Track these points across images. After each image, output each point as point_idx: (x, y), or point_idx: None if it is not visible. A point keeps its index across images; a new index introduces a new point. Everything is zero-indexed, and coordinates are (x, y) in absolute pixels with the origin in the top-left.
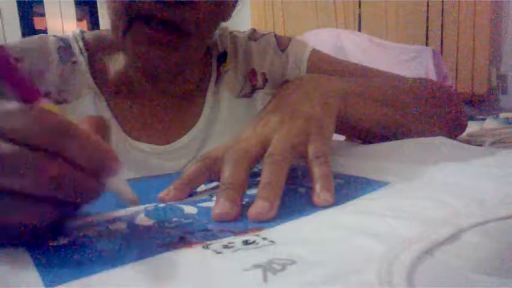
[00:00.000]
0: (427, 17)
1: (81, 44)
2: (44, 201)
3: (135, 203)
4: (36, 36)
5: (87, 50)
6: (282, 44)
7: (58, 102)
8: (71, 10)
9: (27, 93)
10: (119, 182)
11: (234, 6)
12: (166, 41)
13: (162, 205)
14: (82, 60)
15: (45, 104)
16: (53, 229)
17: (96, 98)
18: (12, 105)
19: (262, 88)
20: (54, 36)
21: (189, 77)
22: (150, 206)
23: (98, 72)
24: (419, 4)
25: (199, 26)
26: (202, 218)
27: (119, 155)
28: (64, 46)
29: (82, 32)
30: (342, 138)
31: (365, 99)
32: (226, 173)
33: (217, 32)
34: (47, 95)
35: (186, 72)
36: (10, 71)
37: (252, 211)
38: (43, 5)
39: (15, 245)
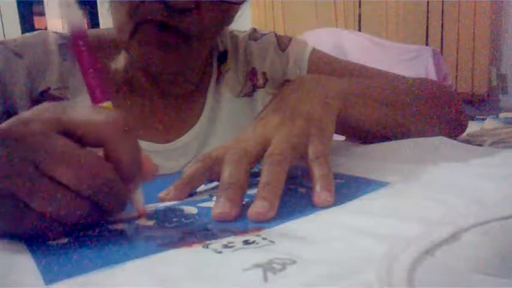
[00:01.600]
0: (427, 17)
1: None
2: (85, 200)
3: (143, 215)
4: (36, 32)
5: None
6: (282, 43)
7: (58, 98)
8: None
9: (99, 93)
10: (139, 193)
11: (237, 11)
12: (171, 45)
13: (162, 205)
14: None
15: (110, 106)
16: (60, 228)
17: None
18: (81, 106)
19: (263, 88)
20: (55, 32)
21: (190, 77)
22: (151, 206)
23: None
24: (419, 4)
25: (204, 31)
26: (202, 218)
27: None
28: (65, 43)
29: None
30: (342, 138)
31: (365, 100)
32: (226, 173)
33: None
34: (47, 91)
35: (186, 73)
36: (90, 69)
37: (252, 211)
38: (43, 5)
39: (20, 237)
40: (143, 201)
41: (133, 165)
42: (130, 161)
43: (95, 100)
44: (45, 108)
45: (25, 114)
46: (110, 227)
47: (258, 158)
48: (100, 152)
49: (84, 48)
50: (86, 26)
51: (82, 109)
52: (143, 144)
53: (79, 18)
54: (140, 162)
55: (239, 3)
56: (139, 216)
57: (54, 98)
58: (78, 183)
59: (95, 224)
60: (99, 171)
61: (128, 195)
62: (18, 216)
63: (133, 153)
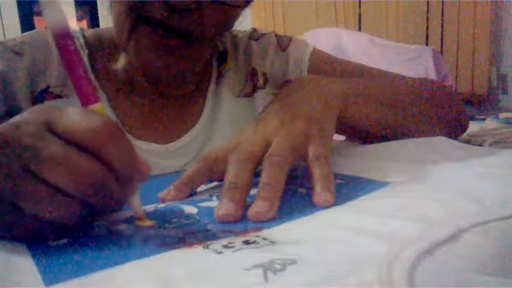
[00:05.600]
0: (427, 17)
1: (81, 40)
2: (76, 200)
3: (141, 218)
4: (35, 31)
5: (87, 47)
6: (282, 43)
7: (58, 97)
8: (71, 10)
9: (85, 95)
10: (136, 195)
11: (238, 15)
12: (170, 47)
13: (162, 205)
14: (83, 56)
15: (100, 108)
16: (58, 229)
17: (97, 95)
18: (71, 108)
19: (263, 88)
20: None
21: (190, 78)
22: (150, 206)
23: (98, 70)
24: (419, 4)
25: (204, 32)
26: (202, 218)
27: None
28: None
29: (81, 29)
30: (342, 138)
31: (365, 100)
32: (231, 173)
33: None
34: (47, 89)
35: (186, 74)
36: (75, 69)
37: (252, 211)
38: (41, 5)
39: (20, 239)
40: (140, 203)
41: (127, 167)
42: (123, 163)
43: (84, 103)
44: (35, 111)
45: (16, 117)
46: (110, 227)
47: (261, 159)
48: None
49: (69, 49)
50: (69, 25)
51: (71, 112)
52: (144, 144)
53: (63, 18)
54: (135, 164)
55: (239, 7)
56: (138, 219)
57: (54, 97)
58: (70, 186)
59: (92, 224)
60: (92, 173)
61: (124, 197)
62: (14, 218)
63: (126, 156)
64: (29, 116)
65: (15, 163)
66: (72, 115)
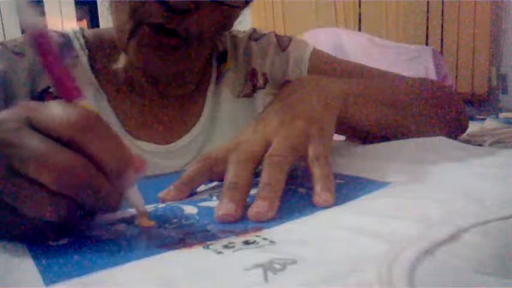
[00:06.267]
0: (427, 17)
1: (81, 40)
2: (62, 198)
3: (145, 215)
4: None
5: (87, 47)
6: (282, 43)
7: (58, 97)
8: (71, 10)
9: (67, 90)
10: (135, 192)
11: (238, 16)
12: (170, 46)
13: (162, 205)
14: (83, 56)
15: (84, 103)
16: (57, 229)
17: (97, 95)
18: (52, 103)
19: (263, 88)
20: (54, 31)
21: (189, 78)
22: (150, 206)
23: (98, 70)
24: (419, 4)
25: (203, 33)
26: (202, 218)
27: None
28: (64, 42)
29: (81, 29)
30: (342, 138)
31: (365, 100)
32: (231, 173)
33: None
34: (47, 90)
35: (186, 74)
36: (54, 67)
37: (251, 211)
38: (43, 5)
39: (19, 239)
40: (142, 201)
41: (114, 160)
42: (109, 155)
43: (67, 99)
44: (16, 108)
45: None
46: (110, 227)
47: (261, 159)
48: None
49: (44, 47)
50: (45, 24)
51: (52, 106)
52: (144, 145)
53: (35, 17)
54: (124, 157)
55: (238, 7)
56: (139, 217)
57: (54, 97)
58: (53, 182)
59: (90, 224)
60: (74, 167)
61: (118, 192)
62: (7, 218)
63: (111, 148)
64: (10, 113)
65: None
66: (53, 110)
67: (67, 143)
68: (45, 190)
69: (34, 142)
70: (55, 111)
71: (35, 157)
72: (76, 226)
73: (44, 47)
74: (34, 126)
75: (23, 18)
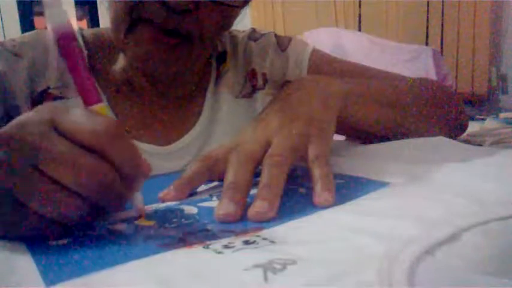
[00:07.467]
0: (427, 17)
1: (80, 40)
2: (81, 199)
3: (143, 215)
4: (34, 32)
5: (86, 47)
6: (282, 44)
7: (58, 97)
8: (71, 10)
9: (88, 94)
10: (137, 193)
11: (237, 15)
12: (169, 45)
13: (162, 205)
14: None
15: (103, 108)
16: (60, 229)
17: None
18: (76, 109)
19: (263, 88)
20: None
21: (189, 78)
22: (150, 207)
23: (97, 70)
24: (419, 4)
25: (203, 33)
26: (202, 218)
27: None
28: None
29: (80, 29)
30: (342, 138)
31: (365, 100)
32: (231, 173)
33: None
34: (47, 90)
35: (185, 74)
36: (78, 69)
37: (251, 211)
38: (43, 5)
39: (20, 239)
40: (142, 201)
41: (131, 167)
42: (127, 163)
43: (86, 102)
44: (40, 110)
45: (22, 116)
46: (110, 227)
47: (261, 159)
48: None
49: (72, 50)
50: (72, 26)
51: (76, 112)
52: (144, 146)
53: (65, 19)
54: (138, 164)
55: (238, 7)
56: (139, 216)
57: (54, 97)
58: (77, 184)
59: (93, 223)
60: (98, 171)
61: (127, 195)
62: (17, 217)
63: (129, 155)
64: (35, 115)
65: (22, 162)
66: (77, 116)
67: (90, 148)
68: (68, 192)
69: (60, 145)
70: (79, 117)
71: (61, 160)
72: (77, 226)
73: (69, 48)
74: (58, 130)
75: (51, 17)
